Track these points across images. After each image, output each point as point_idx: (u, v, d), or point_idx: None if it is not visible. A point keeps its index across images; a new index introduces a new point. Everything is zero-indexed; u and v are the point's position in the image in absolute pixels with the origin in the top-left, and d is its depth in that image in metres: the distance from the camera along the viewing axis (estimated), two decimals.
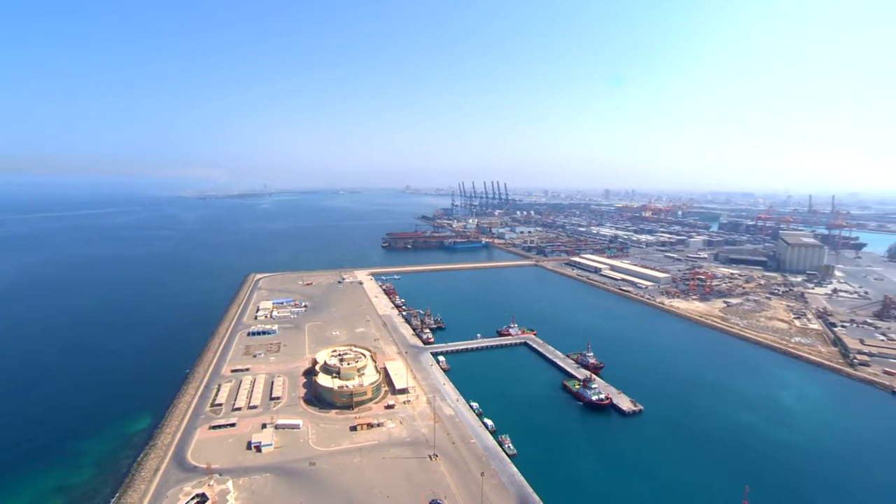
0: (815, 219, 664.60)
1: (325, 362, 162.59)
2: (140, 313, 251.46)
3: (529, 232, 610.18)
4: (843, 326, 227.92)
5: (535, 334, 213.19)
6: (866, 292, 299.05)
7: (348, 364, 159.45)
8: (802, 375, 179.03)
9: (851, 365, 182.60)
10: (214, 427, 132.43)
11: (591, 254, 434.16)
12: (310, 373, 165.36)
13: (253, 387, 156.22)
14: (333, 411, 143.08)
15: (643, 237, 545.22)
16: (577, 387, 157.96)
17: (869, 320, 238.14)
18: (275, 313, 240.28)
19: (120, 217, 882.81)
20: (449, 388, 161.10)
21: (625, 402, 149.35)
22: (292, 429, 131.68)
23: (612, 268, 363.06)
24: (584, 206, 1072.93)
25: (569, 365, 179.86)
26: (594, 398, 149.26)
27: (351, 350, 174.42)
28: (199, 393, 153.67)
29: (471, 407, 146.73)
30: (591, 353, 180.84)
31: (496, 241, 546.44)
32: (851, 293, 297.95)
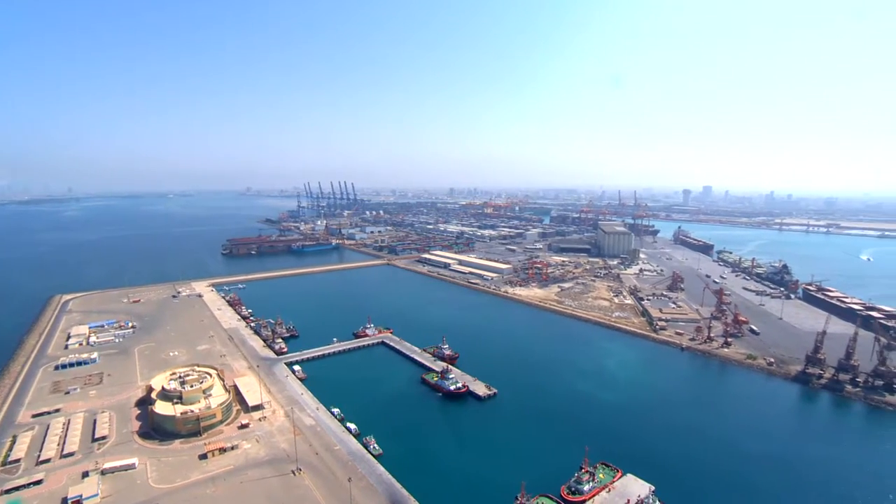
0: (623, 210, 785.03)
1: (162, 388, 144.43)
2: None
3: (380, 231, 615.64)
4: (648, 300, 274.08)
5: (391, 332, 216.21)
6: (662, 270, 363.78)
7: (191, 386, 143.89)
8: (622, 344, 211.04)
9: (655, 330, 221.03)
10: (9, 490, 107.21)
11: (440, 250, 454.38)
12: (145, 402, 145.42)
13: (67, 430, 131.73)
14: (177, 441, 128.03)
15: (486, 232, 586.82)
16: (436, 379, 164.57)
17: (665, 293, 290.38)
18: (93, 339, 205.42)
19: None
20: (307, 397, 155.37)
21: (480, 388, 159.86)
22: (125, 470, 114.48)
23: (461, 262, 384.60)
24: (431, 205, 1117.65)
25: (426, 359, 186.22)
26: (452, 388, 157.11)
27: (193, 370, 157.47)
28: None
29: (332, 413, 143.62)
30: (447, 345, 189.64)
31: (346, 241, 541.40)
32: (652, 272, 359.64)
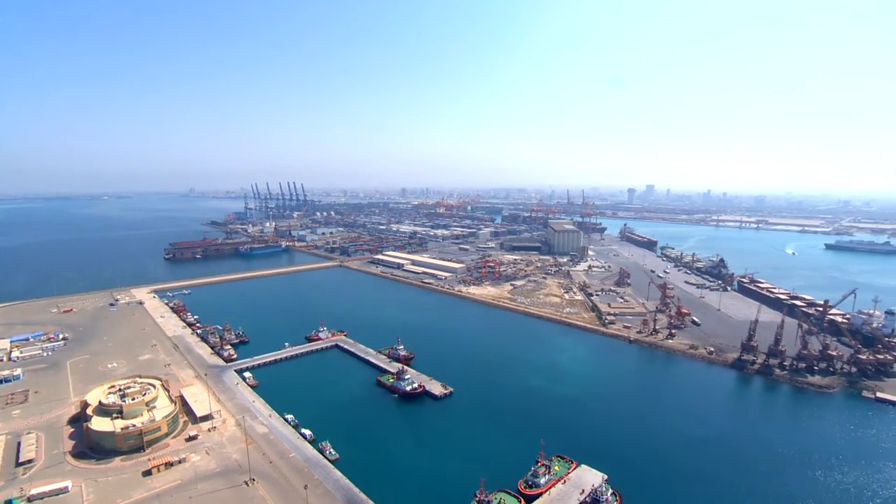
0: (572, 209, 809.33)
1: (100, 402, 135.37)
2: None
3: (331, 233, 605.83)
4: (597, 295, 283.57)
5: (345, 335, 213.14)
6: (609, 266, 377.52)
7: (133, 399, 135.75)
8: (574, 339, 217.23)
9: (604, 325, 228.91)
10: None
11: (393, 250, 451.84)
12: (79, 419, 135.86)
13: None
14: (118, 459, 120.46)
15: (439, 231, 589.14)
16: (391, 380, 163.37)
17: (612, 288, 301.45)
18: (15, 354, 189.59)
19: None
20: (259, 404, 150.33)
21: (436, 388, 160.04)
22: (57, 495, 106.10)
23: (414, 262, 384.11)
24: (384, 205, 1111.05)
25: (381, 360, 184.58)
26: (408, 388, 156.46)
27: (135, 382, 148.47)
28: None
29: (286, 420, 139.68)
30: (402, 346, 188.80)
31: (297, 243, 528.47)
32: (600, 268, 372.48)
